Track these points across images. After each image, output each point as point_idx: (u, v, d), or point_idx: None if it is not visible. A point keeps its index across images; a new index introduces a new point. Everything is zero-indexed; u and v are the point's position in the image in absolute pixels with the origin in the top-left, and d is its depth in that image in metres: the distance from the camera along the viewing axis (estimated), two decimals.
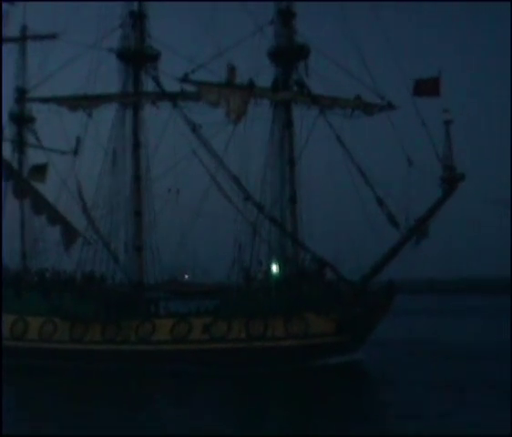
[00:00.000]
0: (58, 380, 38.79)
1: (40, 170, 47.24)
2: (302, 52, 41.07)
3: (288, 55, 41.31)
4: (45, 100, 42.85)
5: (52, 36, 46.87)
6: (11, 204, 47.04)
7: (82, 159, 43.71)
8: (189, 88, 41.29)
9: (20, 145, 47.55)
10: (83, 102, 42.67)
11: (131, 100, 43.75)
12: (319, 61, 41.23)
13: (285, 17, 41.37)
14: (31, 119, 47.82)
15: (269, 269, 39.87)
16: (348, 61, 40.87)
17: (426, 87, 38.47)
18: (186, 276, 43.40)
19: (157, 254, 43.33)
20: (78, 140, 43.17)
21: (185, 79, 40.42)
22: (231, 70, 40.10)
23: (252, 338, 38.58)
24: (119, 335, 40.68)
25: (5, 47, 46.85)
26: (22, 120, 47.77)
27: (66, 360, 40.61)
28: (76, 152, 43.16)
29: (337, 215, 40.06)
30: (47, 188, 46.60)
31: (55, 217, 46.14)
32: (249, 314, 38.66)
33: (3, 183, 46.23)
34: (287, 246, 40.70)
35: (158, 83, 43.22)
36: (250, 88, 40.08)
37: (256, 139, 41.06)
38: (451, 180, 37.98)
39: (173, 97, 42.29)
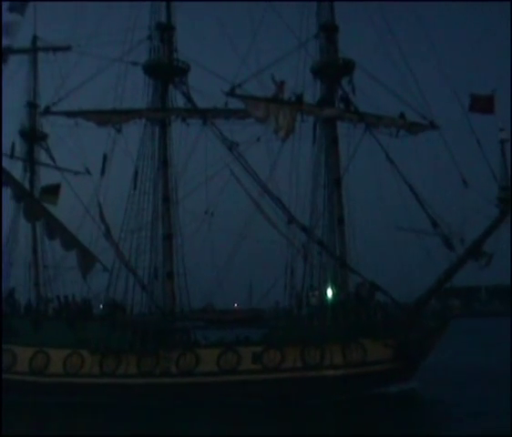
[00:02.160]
0: (90, 417, 35.73)
1: (52, 191, 43.94)
2: (347, 67, 39.56)
3: (332, 70, 39.66)
4: (71, 114, 39.65)
5: (66, 48, 43.91)
6: (22, 227, 43.52)
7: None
8: (235, 103, 39.13)
9: (31, 163, 44.08)
10: (113, 117, 39.79)
11: (160, 116, 41.15)
12: (361, 77, 40.08)
13: (328, 32, 39.83)
14: (43, 136, 44.51)
15: (323, 293, 37.85)
16: (391, 77, 39.81)
17: (481, 104, 37.53)
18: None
19: (188, 280, 40.76)
20: (105, 158, 40.15)
21: (231, 93, 38.17)
22: (280, 84, 38.14)
23: (309, 367, 36.39)
24: (158, 367, 37.76)
25: (15, 59, 43.66)
26: (33, 137, 44.42)
27: (96, 396, 37.37)
28: (103, 171, 40.05)
29: (386, 237, 38.57)
30: (61, 211, 43.40)
31: (70, 241, 42.92)
32: (304, 342, 36.48)
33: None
34: (335, 269, 38.85)
35: (189, 98, 40.84)
36: (299, 104, 38.17)
37: (299, 158, 39.30)
38: (506, 201, 36.99)
39: (205, 114, 40.10)
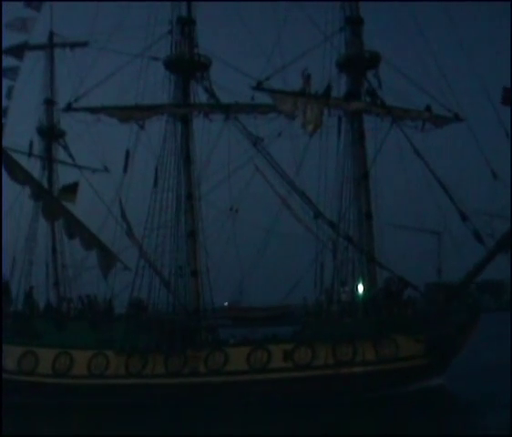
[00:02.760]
0: (119, 418, 35.04)
1: (71, 189, 43.22)
2: (373, 60, 39.04)
3: (358, 64, 39.13)
4: (93, 110, 38.88)
5: (83, 44, 43.20)
6: (41, 227, 42.73)
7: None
8: (260, 98, 38.52)
9: (50, 161, 43.29)
10: (136, 113, 39.08)
11: (183, 112, 40.48)
12: (386, 70, 39.57)
13: (354, 25, 39.30)
14: (61, 133, 43.75)
15: (354, 289, 37.31)
16: (416, 70, 39.36)
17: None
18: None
19: (213, 278, 40.13)
20: (128, 155, 39.44)
21: (259, 87, 37.58)
22: (307, 78, 37.59)
23: (341, 364, 35.86)
24: (186, 367, 37.11)
25: (32, 56, 42.87)
26: (51, 134, 43.64)
27: (123, 397, 36.64)
28: (125, 168, 39.35)
29: (415, 231, 38.09)
30: (81, 210, 42.63)
31: (90, 240, 42.10)
32: (335, 338, 35.94)
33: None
34: (363, 265, 38.34)
35: (212, 93, 40.19)
36: (326, 98, 37.62)
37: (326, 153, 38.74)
38: None
39: (228, 109, 39.49)
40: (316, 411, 34.11)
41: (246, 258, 39.59)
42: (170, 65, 40.80)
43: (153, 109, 39.72)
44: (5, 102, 42.10)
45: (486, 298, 37.66)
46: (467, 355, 39.01)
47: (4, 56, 42.18)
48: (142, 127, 39.72)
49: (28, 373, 39.07)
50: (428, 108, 39.63)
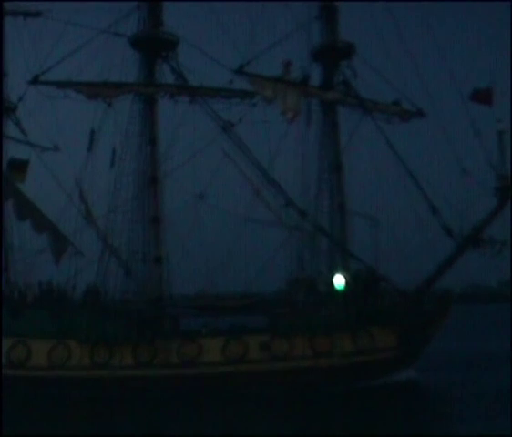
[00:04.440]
0: (86, 412, 33.20)
1: (20, 167, 40.39)
2: (348, 51, 38.87)
3: (333, 53, 38.86)
4: (61, 84, 36.41)
5: (35, 14, 40.39)
6: None
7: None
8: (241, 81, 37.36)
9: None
10: (104, 90, 36.97)
11: (150, 91, 38.69)
12: (358, 62, 39.48)
13: (329, 13, 38.95)
14: (13, 107, 40.71)
15: (330, 280, 36.97)
16: (389, 64, 39.50)
17: (481, 96, 37.94)
18: None
19: (177, 265, 38.64)
20: (93, 134, 37.29)
21: (240, 71, 36.47)
22: (287, 64, 36.88)
23: (318, 355, 35.50)
24: (157, 358, 35.61)
25: None
26: (2, 108, 40.48)
27: (86, 389, 34.80)
28: (90, 147, 37.18)
29: (386, 223, 38.26)
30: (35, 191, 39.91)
31: (41, 223, 39.54)
32: (313, 330, 35.54)
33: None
34: (335, 255, 38.18)
35: (180, 74, 38.66)
36: (305, 85, 37.06)
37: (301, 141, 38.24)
38: (505, 189, 37.64)
39: (198, 92, 38.17)
40: (294, 403, 33.82)
41: (213, 244, 38.64)
42: (135, 42, 38.88)
43: (121, 87, 37.73)
44: None
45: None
46: None
47: None
48: (110, 105, 37.70)
49: None
50: (396, 103, 39.99)
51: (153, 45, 39.07)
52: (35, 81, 36.52)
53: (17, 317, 36.68)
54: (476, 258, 37.03)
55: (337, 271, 37.15)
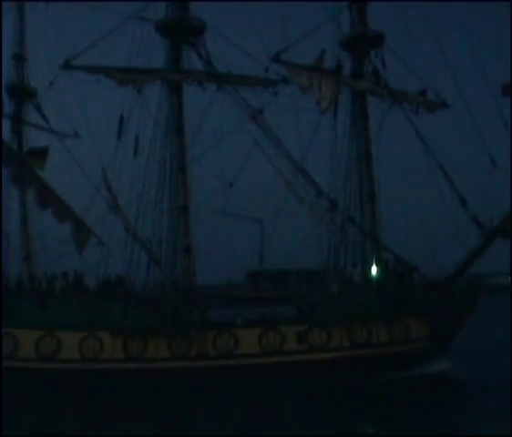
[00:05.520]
0: (119, 405, 32.44)
1: (39, 154, 39.27)
2: (377, 41, 38.75)
3: (363, 43, 38.69)
4: (92, 69, 35.46)
5: None
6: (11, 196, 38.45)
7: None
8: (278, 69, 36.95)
9: (19, 123, 38.94)
10: (135, 76, 36.17)
11: (178, 78, 37.97)
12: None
13: (359, 3, 38.76)
14: (33, 92, 39.49)
15: (367, 271, 36.90)
16: (410, 52, 39.52)
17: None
18: None
19: (205, 255, 38.09)
20: (122, 120, 36.44)
21: (276, 59, 36.07)
22: (322, 53, 36.61)
23: (355, 345, 35.45)
24: (192, 349, 35.08)
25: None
26: (22, 93, 39.28)
27: (119, 382, 34.11)
28: (119, 135, 36.34)
29: (416, 213, 38.31)
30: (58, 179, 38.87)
31: (64, 212, 38.59)
32: (350, 320, 35.46)
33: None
34: (366, 246, 38.12)
35: (208, 60, 38.04)
36: (339, 74, 36.87)
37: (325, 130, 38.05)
38: None
39: (227, 79, 37.65)
40: (332, 393, 33.71)
41: (241, 234, 38.31)
42: (162, 27, 38.15)
43: (150, 74, 36.99)
44: None
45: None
46: None
47: None
48: (139, 92, 36.93)
49: (7, 358, 35.28)
50: (422, 93, 40.06)
51: (180, 31, 38.39)
52: (66, 66, 35.50)
53: (45, 308, 35.76)
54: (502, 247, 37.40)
55: (371, 262, 37.15)
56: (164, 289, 37.31)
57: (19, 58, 39.44)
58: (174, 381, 34.28)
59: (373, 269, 36.84)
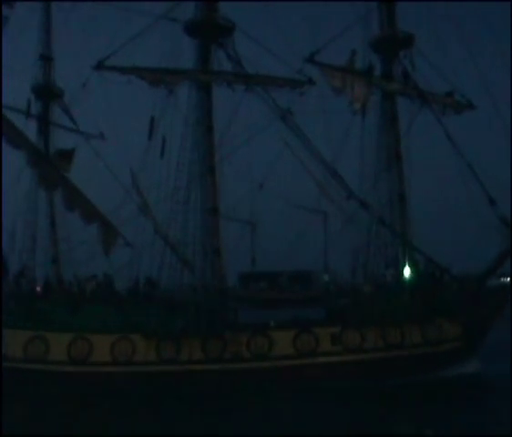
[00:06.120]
0: (152, 408, 32.07)
1: (66, 156, 38.91)
2: (407, 42, 38.75)
3: (393, 44, 38.67)
4: (125, 70, 35.14)
5: None
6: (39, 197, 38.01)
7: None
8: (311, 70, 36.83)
9: (46, 124, 38.51)
10: (167, 76, 35.91)
11: (207, 79, 37.75)
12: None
13: (388, 4, 38.76)
14: (60, 93, 39.10)
15: (400, 272, 36.86)
16: (436, 53, 39.58)
17: None
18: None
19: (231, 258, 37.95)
20: (153, 121, 36.15)
21: (310, 60, 35.94)
22: (353, 54, 36.55)
23: (390, 347, 35.39)
24: (227, 352, 34.85)
25: (28, 6, 37.82)
26: (49, 94, 38.85)
27: (153, 385, 33.81)
28: (150, 136, 36.03)
29: (444, 213, 38.42)
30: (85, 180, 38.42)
31: (91, 213, 38.17)
32: (384, 321, 35.39)
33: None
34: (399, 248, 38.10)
35: (238, 61, 37.84)
36: (370, 75, 36.82)
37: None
38: None
39: (256, 80, 37.48)
40: (366, 394, 33.62)
41: (270, 235, 38.16)
42: (191, 28, 37.93)
43: (182, 74, 36.75)
44: None
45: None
46: None
47: None
48: (171, 93, 36.68)
49: (37, 361, 34.89)
50: (449, 94, 40.12)
51: (209, 32, 38.14)
52: (99, 66, 35.17)
53: (76, 311, 35.36)
54: None
55: (403, 263, 37.14)
56: (195, 291, 37.10)
57: (46, 59, 39.07)
58: (208, 383, 34.06)
59: (406, 271, 36.84)
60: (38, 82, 39.13)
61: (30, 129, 38.22)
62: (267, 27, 39.60)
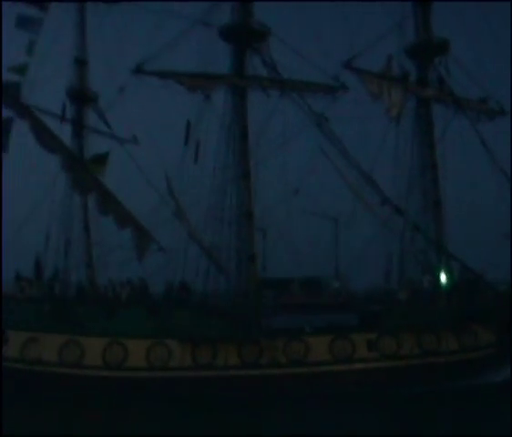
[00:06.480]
0: (188, 413, 31.91)
1: (100, 160, 38.90)
2: (442, 48, 38.72)
3: (428, 50, 38.66)
4: (163, 75, 35.14)
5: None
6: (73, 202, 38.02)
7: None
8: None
9: (81, 128, 38.50)
10: (205, 82, 35.92)
11: (243, 84, 37.73)
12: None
13: (423, 9, 38.76)
14: (95, 97, 39.10)
15: (436, 278, 36.78)
16: (469, 58, 39.52)
17: None
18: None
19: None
20: (189, 126, 36.11)
21: (348, 65, 35.94)
22: (389, 59, 36.54)
23: (426, 353, 35.27)
24: (263, 357, 34.74)
25: (63, 8, 37.86)
26: (83, 98, 38.86)
27: (188, 391, 33.70)
28: (186, 141, 36.00)
29: (478, 221, 38.23)
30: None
31: (125, 217, 38.08)
32: (420, 328, 35.27)
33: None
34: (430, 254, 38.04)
35: (273, 66, 37.82)
36: (406, 81, 36.77)
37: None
38: None
39: (292, 85, 37.50)
40: (402, 401, 33.48)
41: (302, 240, 38.03)
42: (226, 32, 37.93)
43: (219, 79, 36.77)
44: (24, 58, 37.10)
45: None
46: None
47: (25, 6, 37.21)
48: (208, 98, 36.67)
49: (73, 366, 34.81)
50: (483, 100, 40.05)
51: (244, 37, 38.15)
52: (138, 70, 35.17)
53: (111, 316, 35.28)
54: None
55: (438, 269, 37.05)
56: (230, 296, 37.05)
57: (80, 62, 39.08)
58: (244, 388, 33.98)
59: (442, 277, 36.75)
60: (73, 86, 39.13)
61: (65, 133, 38.20)
62: (301, 33, 39.60)
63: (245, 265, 37.45)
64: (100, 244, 38.74)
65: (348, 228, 38.20)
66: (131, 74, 35.21)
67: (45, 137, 36.49)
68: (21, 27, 37.17)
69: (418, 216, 38.31)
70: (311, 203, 38.98)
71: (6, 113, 36.66)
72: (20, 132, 36.33)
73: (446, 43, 38.70)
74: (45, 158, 36.70)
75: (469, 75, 38.53)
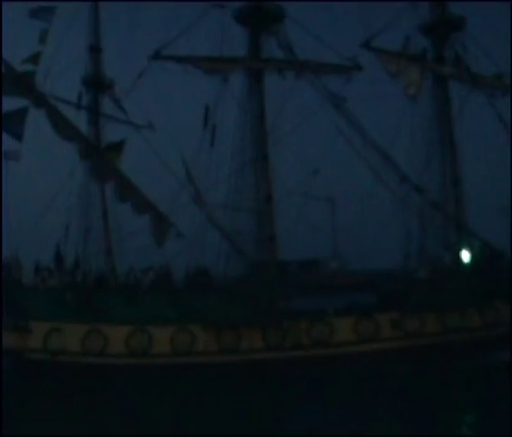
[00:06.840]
0: (216, 398, 31.94)
1: (116, 148, 38.74)
2: (459, 24, 38.50)
3: (444, 27, 38.43)
4: (181, 59, 34.97)
5: None
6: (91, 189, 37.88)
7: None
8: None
9: (97, 115, 38.31)
10: (222, 65, 35.74)
11: (259, 66, 37.55)
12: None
13: None
14: (110, 84, 38.89)
15: (457, 256, 36.75)
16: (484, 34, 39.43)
17: None
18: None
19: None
20: (208, 110, 35.96)
21: (366, 45, 35.76)
22: (407, 39, 36.38)
23: (449, 331, 35.30)
24: (287, 340, 34.76)
25: None
26: (99, 85, 38.66)
27: (213, 376, 33.73)
28: (206, 124, 35.86)
29: (497, 198, 38.17)
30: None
31: (143, 204, 38.04)
32: (443, 305, 35.27)
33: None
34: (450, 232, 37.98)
35: (290, 48, 37.63)
36: (423, 59, 36.62)
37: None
38: None
39: (308, 67, 37.32)
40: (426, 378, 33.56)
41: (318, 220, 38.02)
42: (241, 15, 37.70)
43: (236, 62, 36.57)
44: (37, 47, 36.86)
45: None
46: None
47: None
48: (225, 81, 36.51)
49: (95, 355, 34.82)
50: (498, 76, 39.85)
51: (259, 19, 37.91)
52: (156, 56, 35.00)
53: (134, 303, 35.22)
54: None
55: (459, 246, 37.02)
56: (251, 279, 36.99)
57: (95, 50, 38.84)
58: (269, 371, 34.03)
59: (464, 254, 36.71)
60: (88, 73, 38.88)
61: (81, 121, 38.04)
62: (316, 14, 39.43)
63: (266, 246, 37.36)
64: (119, 231, 38.50)
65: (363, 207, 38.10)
66: (150, 59, 35.06)
67: (61, 126, 36.37)
68: (34, 17, 36.94)
69: (437, 194, 38.21)
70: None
71: (21, 102, 36.59)
72: (37, 122, 36.14)
73: (463, 20, 38.46)
74: (62, 148, 36.55)
75: (486, 51, 38.46)
